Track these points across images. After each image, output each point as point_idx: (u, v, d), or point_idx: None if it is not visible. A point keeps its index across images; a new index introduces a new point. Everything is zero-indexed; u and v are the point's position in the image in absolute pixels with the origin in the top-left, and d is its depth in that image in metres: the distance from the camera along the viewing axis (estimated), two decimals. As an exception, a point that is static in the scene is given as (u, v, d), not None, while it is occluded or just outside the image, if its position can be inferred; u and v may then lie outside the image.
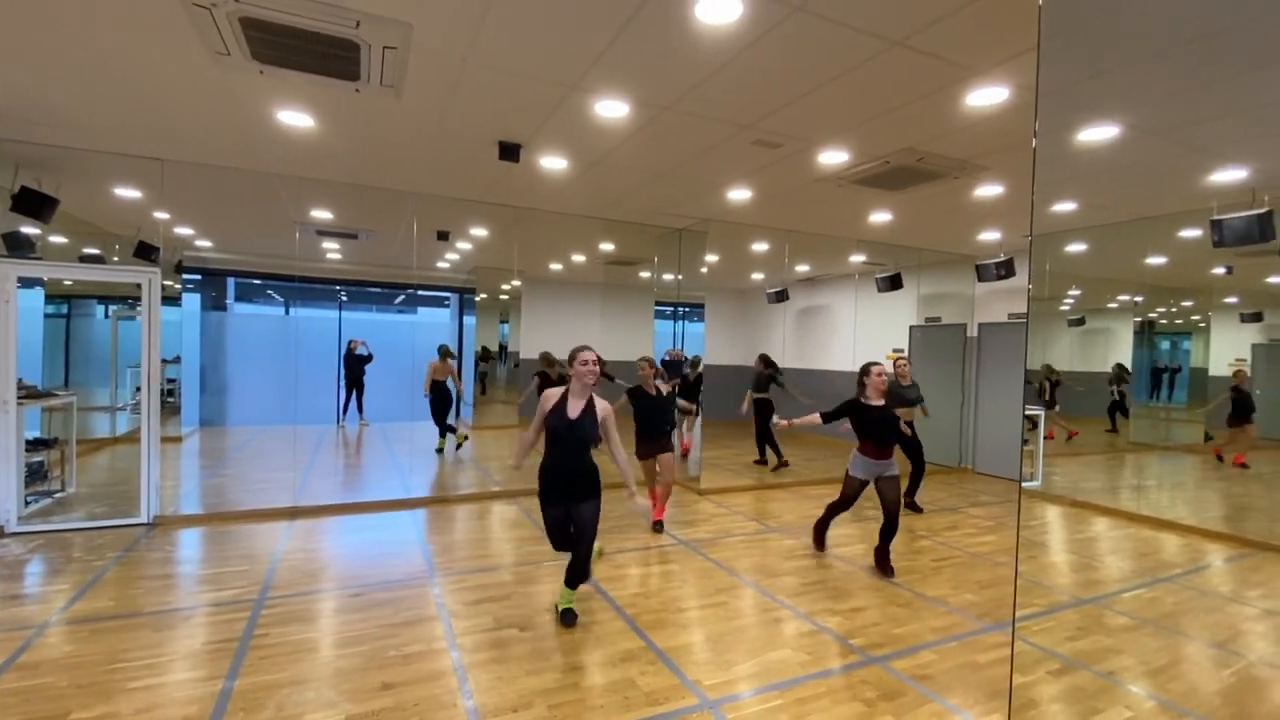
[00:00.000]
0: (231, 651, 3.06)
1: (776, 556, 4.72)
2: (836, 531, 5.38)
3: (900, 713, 2.72)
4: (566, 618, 3.45)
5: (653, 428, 5.22)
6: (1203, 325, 7.20)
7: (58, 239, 6.53)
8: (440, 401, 8.14)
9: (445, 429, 8.21)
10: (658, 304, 8.63)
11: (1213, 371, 6.85)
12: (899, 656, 3.22)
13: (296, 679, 2.84)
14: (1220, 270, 6.72)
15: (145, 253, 6.58)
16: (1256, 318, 6.57)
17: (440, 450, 8.28)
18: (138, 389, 9.13)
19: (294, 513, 5.48)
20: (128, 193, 5.85)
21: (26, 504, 5.01)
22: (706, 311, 7.60)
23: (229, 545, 4.63)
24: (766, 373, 7.81)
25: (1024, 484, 7.63)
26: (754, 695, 2.83)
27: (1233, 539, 5.19)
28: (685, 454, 8.10)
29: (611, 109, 3.79)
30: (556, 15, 2.80)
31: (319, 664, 2.97)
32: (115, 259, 7.52)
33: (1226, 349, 6.73)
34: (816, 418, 4.49)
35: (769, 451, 7.80)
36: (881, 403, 4.46)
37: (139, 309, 5.01)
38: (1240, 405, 6.31)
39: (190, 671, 2.87)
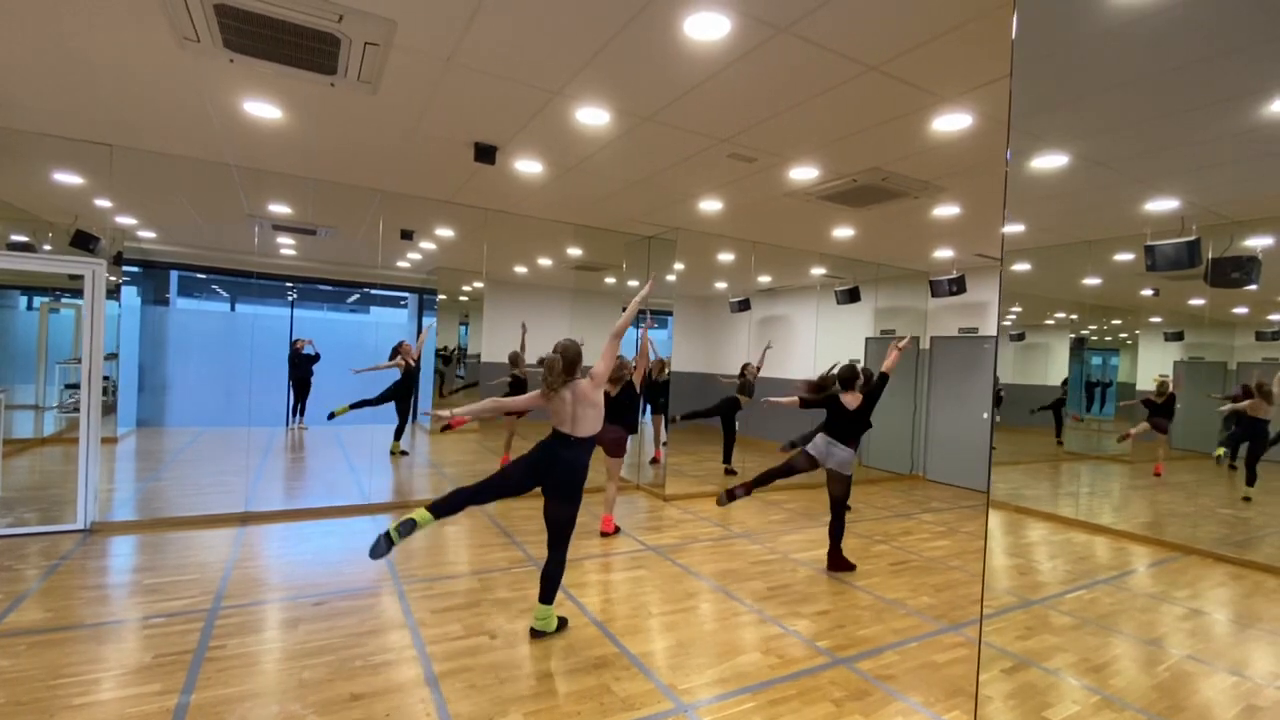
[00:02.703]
0: (185, 664, 2.92)
1: (742, 561, 4.80)
2: (797, 538, 5.51)
3: (868, 712, 2.82)
4: (534, 635, 3.37)
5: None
6: (1130, 343, 7.72)
7: (-17, 225, 6.10)
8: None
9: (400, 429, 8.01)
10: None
11: (1140, 386, 7.36)
12: (863, 657, 3.33)
13: (258, 691, 2.73)
14: (1148, 292, 7.23)
15: (83, 242, 6.19)
16: (1178, 337, 7.09)
17: (403, 453, 8.08)
18: (67, 386, 8.60)
19: (245, 518, 5.25)
20: (69, 179, 5.51)
21: (-55, 509, 4.65)
22: (674, 319, 7.68)
23: (176, 553, 4.40)
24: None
25: (970, 489, 7.98)
26: (727, 698, 2.87)
27: (1160, 543, 5.57)
28: (656, 461, 8.16)
29: (593, 116, 3.81)
30: (547, 21, 2.81)
31: (282, 675, 2.87)
32: (48, 248, 7.07)
33: (1152, 365, 7.24)
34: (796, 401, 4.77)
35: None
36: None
37: (74, 302, 4.72)
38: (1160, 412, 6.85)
39: (141, 686, 2.73)
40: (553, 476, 3.32)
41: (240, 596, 3.71)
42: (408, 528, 3.05)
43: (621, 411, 5.20)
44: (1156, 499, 7.03)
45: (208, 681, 2.78)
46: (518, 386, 7.43)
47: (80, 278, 4.75)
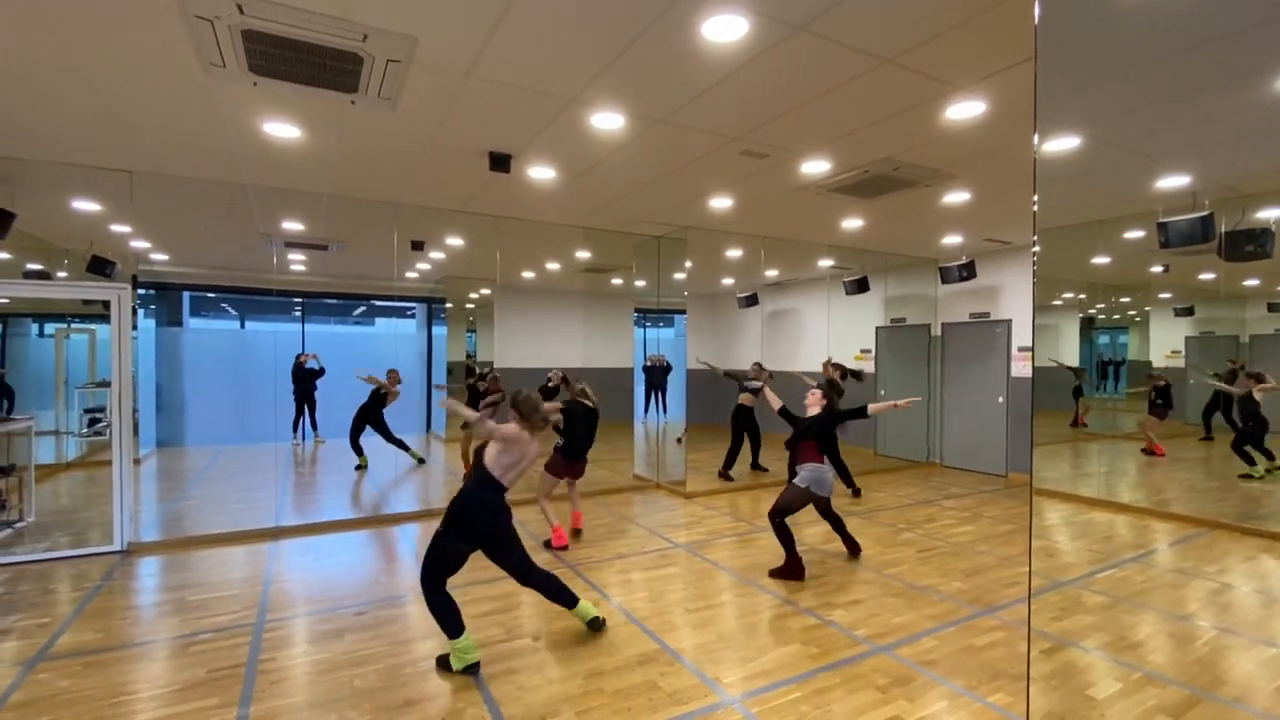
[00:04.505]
0: (239, 678, 2.97)
1: (770, 555, 4.83)
2: (818, 530, 5.52)
3: (913, 697, 2.85)
4: (595, 624, 3.46)
5: (583, 446, 5.16)
6: (1139, 320, 7.72)
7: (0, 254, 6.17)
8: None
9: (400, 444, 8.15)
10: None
11: (1155, 363, 7.36)
12: (902, 644, 3.37)
13: (314, 701, 2.78)
14: (1158, 269, 7.24)
15: (99, 268, 6.27)
16: (1189, 312, 7.10)
17: (420, 460, 8.15)
18: (87, 411, 8.67)
19: (276, 533, 5.31)
20: (88, 206, 5.58)
21: (-16, 536, 4.72)
22: (687, 317, 7.70)
23: (213, 569, 4.46)
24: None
25: (988, 474, 7.99)
26: (773, 689, 2.91)
27: (1185, 519, 5.59)
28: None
29: (607, 121, 3.85)
30: (566, 30, 2.85)
31: (335, 685, 2.92)
32: (62, 274, 7.14)
33: (1163, 342, 7.25)
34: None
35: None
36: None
37: (86, 327, 4.75)
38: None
39: (199, 700, 2.78)
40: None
41: (282, 609, 3.77)
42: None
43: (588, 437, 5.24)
44: (1175, 475, 7.04)
45: (264, 694, 2.84)
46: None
47: (94, 303, 4.81)
